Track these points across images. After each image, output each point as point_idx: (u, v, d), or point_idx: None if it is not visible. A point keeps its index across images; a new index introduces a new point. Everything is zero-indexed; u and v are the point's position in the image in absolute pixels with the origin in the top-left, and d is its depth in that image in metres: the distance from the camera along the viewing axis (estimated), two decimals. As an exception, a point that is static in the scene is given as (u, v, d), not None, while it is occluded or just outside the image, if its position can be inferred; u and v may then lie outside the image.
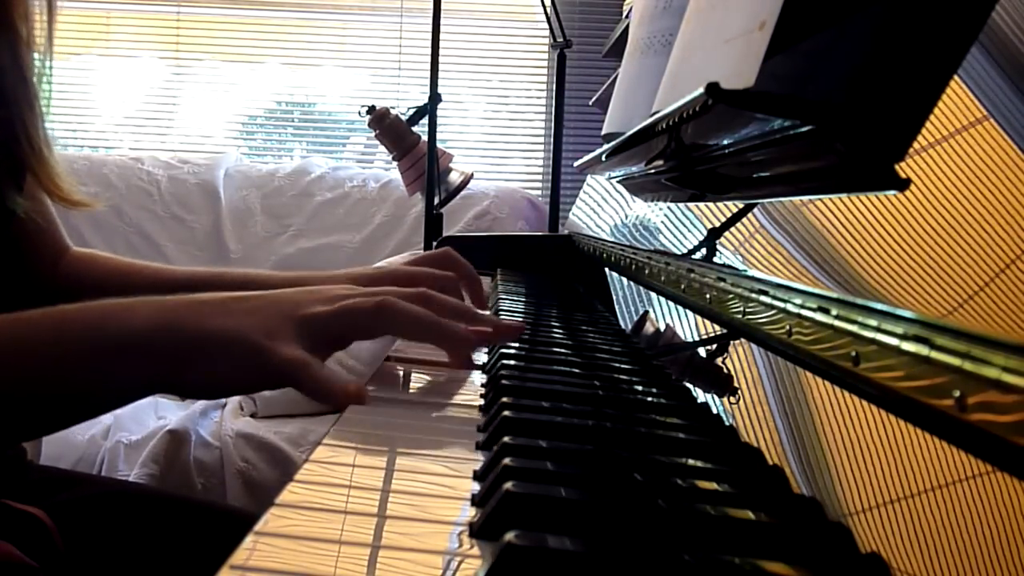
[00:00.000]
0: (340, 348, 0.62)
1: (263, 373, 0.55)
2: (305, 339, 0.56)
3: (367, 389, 0.58)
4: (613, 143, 0.94)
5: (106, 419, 1.90)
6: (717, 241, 0.69)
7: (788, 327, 0.47)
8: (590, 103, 2.16)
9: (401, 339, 0.68)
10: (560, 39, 2.03)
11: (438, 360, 0.76)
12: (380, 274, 0.84)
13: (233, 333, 0.55)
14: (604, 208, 1.38)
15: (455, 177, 2.08)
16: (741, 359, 0.60)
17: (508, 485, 0.36)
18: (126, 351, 0.54)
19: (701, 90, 0.53)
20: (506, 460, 0.40)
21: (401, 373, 0.73)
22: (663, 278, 0.76)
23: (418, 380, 0.70)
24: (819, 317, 0.43)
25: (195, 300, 0.58)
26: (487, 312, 0.76)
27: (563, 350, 0.75)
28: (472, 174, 2.13)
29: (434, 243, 1.82)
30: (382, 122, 2.08)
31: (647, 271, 0.82)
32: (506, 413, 0.49)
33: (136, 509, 0.87)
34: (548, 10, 2.01)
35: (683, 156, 0.79)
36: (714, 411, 0.59)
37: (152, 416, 1.96)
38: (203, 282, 0.87)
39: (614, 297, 1.10)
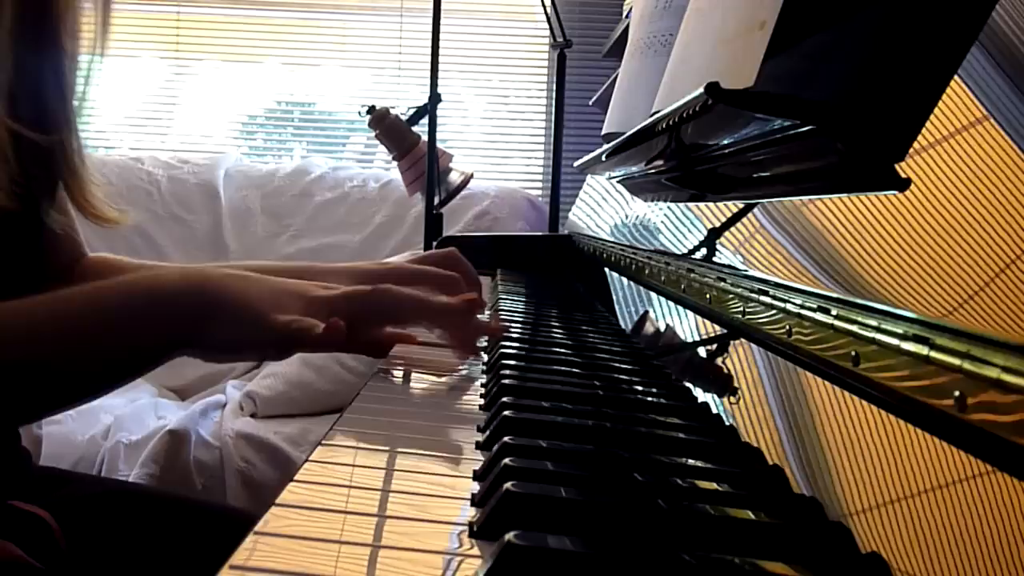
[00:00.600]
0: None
1: (266, 337, 0.61)
2: (310, 317, 0.61)
3: (342, 324, 0.61)
4: (613, 143, 0.94)
5: (106, 419, 1.90)
6: (717, 241, 0.69)
7: (788, 327, 0.47)
8: (590, 103, 2.16)
9: (402, 324, 0.71)
10: (560, 39, 2.03)
11: (438, 360, 0.76)
12: (384, 270, 0.84)
13: (245, 301, 0.61)
14: (604, 208, 1.38)
15: (455, 177, 2.08)
16: (741, 359, 0.60)
17: (508, 485, 0.36)
18: (155, 309, 0.61)
19: (701, 90, 0.53)
20: (506, 460, 0.40)
21: (401, 373, 0.73)
22: (663, 278, 0.76)
23: (418, 380, 0.70)
24: (819, 317, 0.43)
25: (217, 271, 0.65)
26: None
27: (563, 350, 0.75)
28: (472, 174, 2.13)
29: (434, 243, 1.82)
30: (382, 122, 2.08)
31: (647, 271, 0.82)
32: (506, 413, 0.49)
33: (136, 509, 0.87)
34: (548, 10, 2.01)
35: (683, 156, 0.79)
36: (714, 411, 0.58)
37: (152, 416, 1.96)
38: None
39: (614, 297, 1.10)
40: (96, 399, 0.65)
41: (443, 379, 0.69)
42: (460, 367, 0.74)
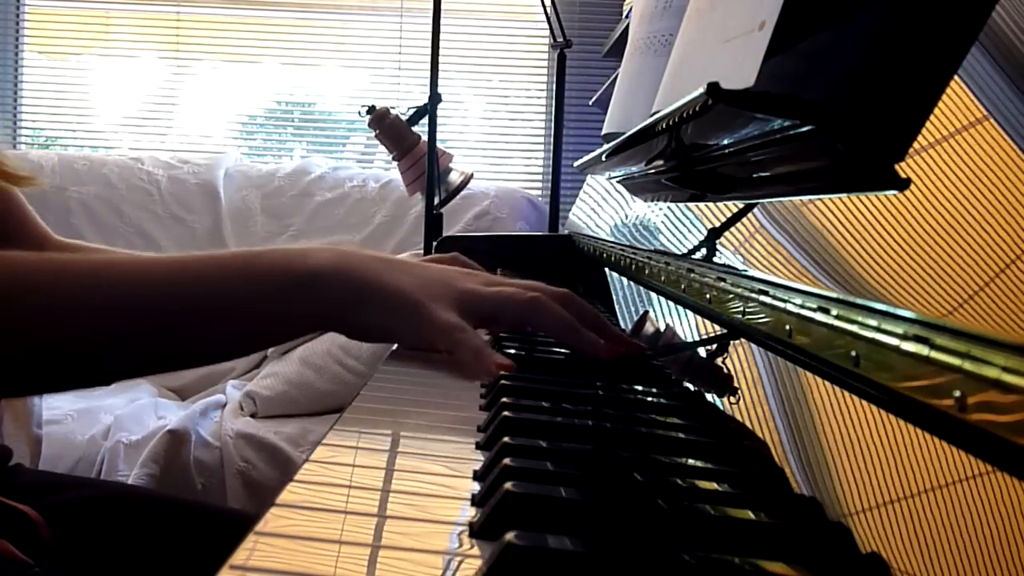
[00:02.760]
0: (487, 328, 0.66)
1: (419, 329, 0.60)
2: (460, 310, 0.61)
3: (513, 365, 0.61)
4: (613, 143, 0.94)
5: (106, 419, 1.90)
6: (717, 241, 0.69)
7: (788, 327, 0.47)
8: (590, 103, 2.16)
9: (543, 333, 0.71)
10: (560, 39, 2.03)
11: (439, 361, 0.76)
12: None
13: (398, 287, 0.60)
14: (604, 208, 1.38)
15: (455, 177, 2.08)
16: (741, 359, 0.60)
17: (508, 485, 0.36)
18: (307, 287, 0.59)
19: (701, 90, 0.53)
20: (506, 460, 0.40)
21: (401, 373, 0.73)
22: (663, 278, 0.76)
23: (418, 380, 0.70)
24: (819, 317, 0.43)
25: (367, 255, 0.63)
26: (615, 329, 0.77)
27: (563, 350, 0.75)
28: (472, 174, 2.13)
29: (434, 243, 1.82)
30: (382, 122, 2.08)
31: (647, 271, 0.82)
32: (506, 413, 0.49)
33: (130, 511, 0.86)
34: (548, 10, 2.01)
35: (683, 156, 0.79)
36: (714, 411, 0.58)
37: (152, 416, 1.96)
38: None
39: (614, 297, 1.10)
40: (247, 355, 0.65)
41: (443, 379, 0.69)
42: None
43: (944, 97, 0.42)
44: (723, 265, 0.62)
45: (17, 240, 0.88)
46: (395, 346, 0.78)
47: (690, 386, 0.67)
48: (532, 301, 0.64)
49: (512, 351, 0.71)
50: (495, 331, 0.62)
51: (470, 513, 0.39)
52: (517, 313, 0.64)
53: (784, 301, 0.48)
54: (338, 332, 0.63)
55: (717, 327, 0.66)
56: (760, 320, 0.52)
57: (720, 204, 0.74)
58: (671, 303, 0.80)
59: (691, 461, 0.46)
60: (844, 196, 0.49)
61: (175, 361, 0.61)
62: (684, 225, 0.83)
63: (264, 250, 0.62)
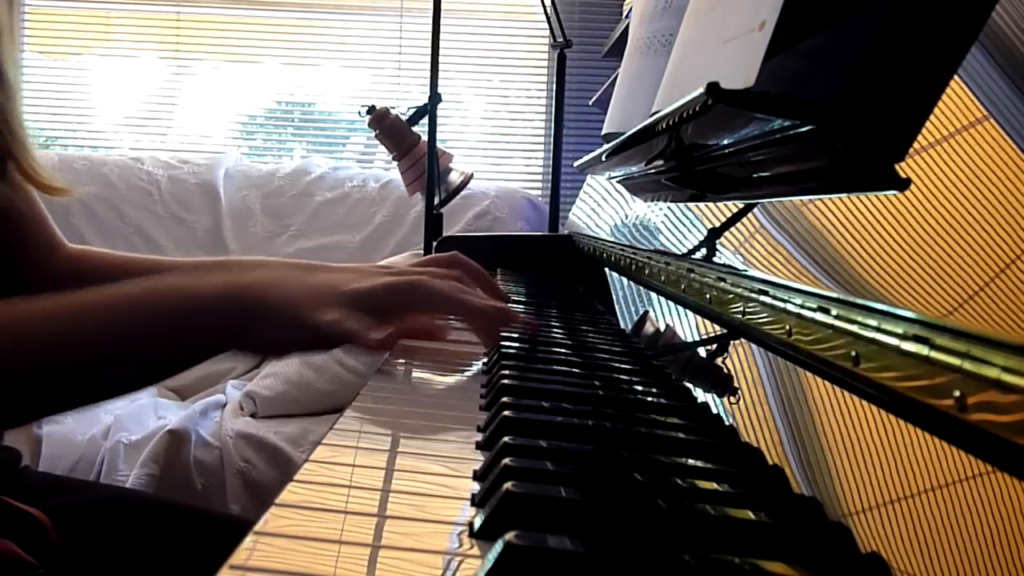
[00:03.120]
0: (381, 321, 0.67)
1: (310, 336, 0.63)
2: (347, 310, 0.64)
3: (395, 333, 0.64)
4: (613, 143, 0.94)
5: (106, 419, 1.90)
6: (717, 241, 0.69)
7: (788, 327, 0.47)
8: (590, 103, 2.16)
9: (435, 314, 0.73)
10: (560, 39, 2.03)
11: (438, 360, 0.76)
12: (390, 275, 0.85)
13: (284, 303, 0.63)
14: (604, 208, 1.38)
15: (455, 177, 2.08)
16: (741, 359, 0.60)
17: (508, 485, 0.36)
18: (203, 313, 0.63)
19: (701, 90, 0.53)
20: (506, 460, 0.40)
21: (401, 373, 0.73)
22: (663, 278, 0.76)
23: (418, 380, 0.70)
24: (819, 317, 0.43)
25: (253, 273, 0.68)
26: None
27: (563, 350, 0.75)
28: (472, 174, 2.13)
29: (434, 243, 1.82)
30: (382, 122, 2.08)
31: (647, 271, 0.82)
32: (506, 413, 0.49)
33: (132, 515, 0.86)
34: (548, 10, 2.01)
35: (683, 156, 0.79)
36: (714, 411, 0.58)
37: (152, 416, 1.96)
38: (207, 272, 0.87)
39: (614, 297, 1.10)
40: (120, 398, 0.69)
41: (443, 379, 0.69)
42: (460, 367, 0.74)
43: (944, 97, 0.42)
44: (723, 265, 0.62)
45: (30, 245, 0.88)
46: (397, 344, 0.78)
47: (689, 386, 0.67)
48: (411, 284, 0.67)
49: (512, 351, 0.71)
50: (392, 322, 0.65)
51: (470, 513, 0.39)
52: (401, 299, 0.67)
53: (784, 301, 0.48)
54: (242, 350, 0.66)
55: (717, 327, 0.66)
56: (760, 320, 0.52)
57: (720, 204, 0.74)
58: (671, 303, 0.80)
59: (691, 461, 0.46)
60: (844, 196, 0.49)
61: (79, 397, 0.65)
62: (684, 225, 0.84)
63: (160, 284, 0.66)
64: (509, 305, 0.93)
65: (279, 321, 0.63)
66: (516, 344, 0.74)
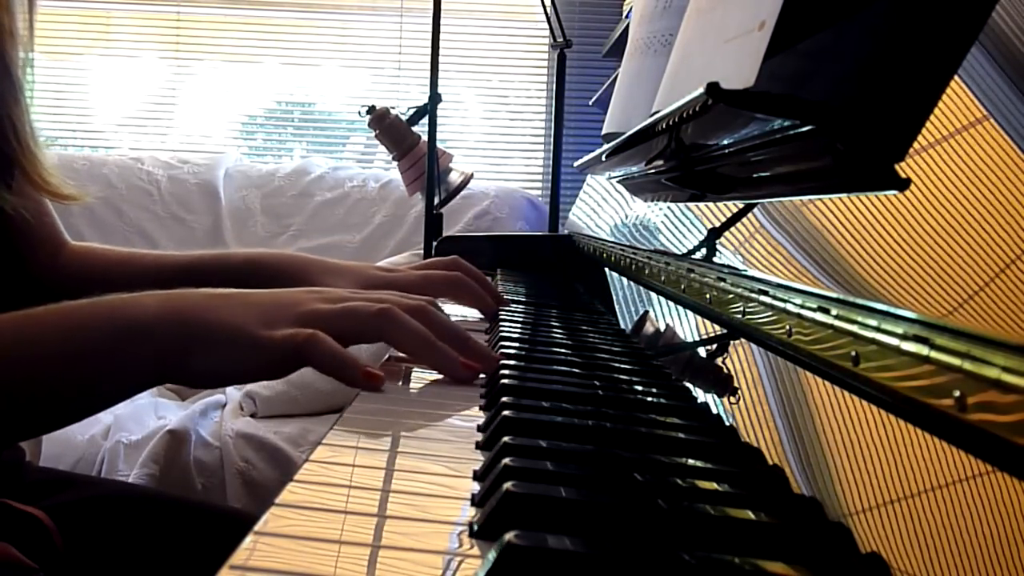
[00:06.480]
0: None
1: (264, 360, 0.57)
2: (303, 328, 0.57)
3: (382, 375, 0.58)
4: (613, 143, 0.94)
5: (106, 419, 1.90)
6: (717, 241, 0.69)
7: (788, 327, 0.47)
8: (590, 103, 2.16)
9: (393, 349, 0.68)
10: (560, 39, 2.03)
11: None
12: (391, 278, 0.84)
13: (231, 323, 0.56)
14: (604, 208, 1.38)
15: (455, 177, 2.08)
16: (741, 359, 0.60)
17: (508, 485, 0.36)
18: (135, 340, 0.56)
19: (701, 90, 0.53)
20: (506, 460, 0.40)
21: (402, 373, 0.73)
22: (663, 278, 0.76)
23: (418, 380, 0.70)
24: (819, 317, 0.43)
25: (197, 293, 0.60)
26: (482, 340, 0.73)
27: (563, 350, 0.75)
28: (472, 174, 2.13)
29: (434, 243, 1.82)
30: (382, 122, 2.08)
31: (647, 271, 0.82)
32: (506, 413, 0.49)
33: (135, 511, 0.86)
34: (548, 10, 2.01)
35: (683, 156, 0.79)
36: (714, 411, 0.58)
37: (152, 416, 1.96)
38: (207, 265, 0.87)
39: (614, 297, 1.10)
40: (61, 428, 0.59)
41: (443, 379, 0.69)
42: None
43: (944, 97, 0.42)
44: (723, 265, 0.62)
45: (38, 249, 0.88)
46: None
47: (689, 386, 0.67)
48: (381, 314, 0.60)
49: (512, 351, 0.71)
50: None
51: (470, 513, 0.39)
52: (365, 328, 0.60)
53: (784, 301, 0.48)
54: (185, 383, 0.59)
55: (717, 327, 0.66)
56: (760, 320, 0.52)
57: (720, 204, 0.74)
58: (671, 303, 0.80)
59: (691, 461, 0.46)
60: (844, 196, 0.49)
61: (18, 428, 0.58)
62: (684, 225, 0.83)
63: (91, 302, 0.58)
64: (508, 307, 0.93)
65: (225, 345, 0.56)
66: (516, 344, 0.74)
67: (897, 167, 0.43)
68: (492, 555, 0.31)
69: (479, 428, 0.53)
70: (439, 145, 1.99)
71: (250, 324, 0.57)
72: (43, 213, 0.89)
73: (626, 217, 1.18)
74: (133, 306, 0.57)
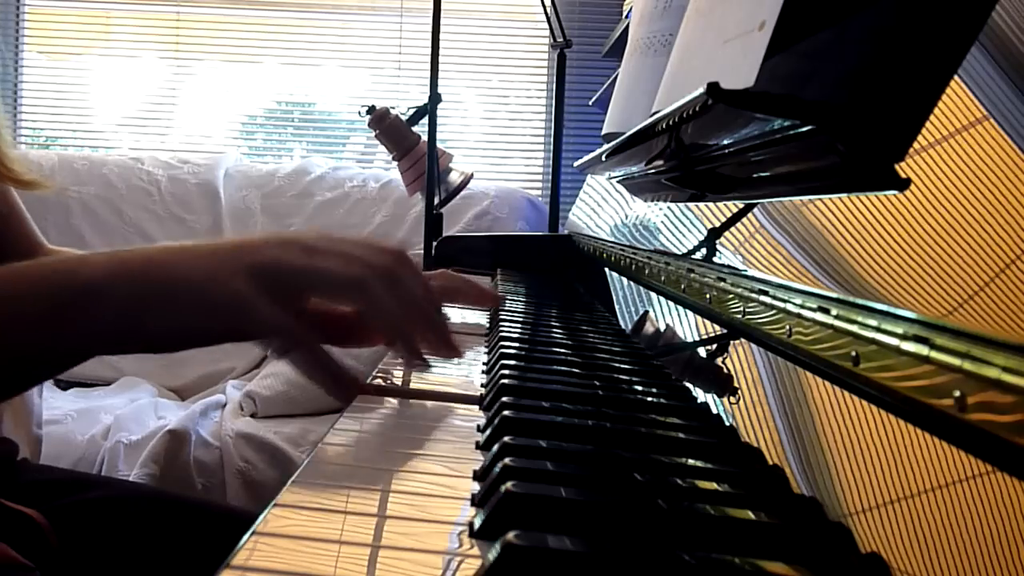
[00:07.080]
0: (294, 304, 0.55)
1: (216, 314, 0.52)
2: (258, 284, 0.51)
3: (363, 384, 0.56)
4: (613, 143, 0.94)
5: (106, 419, 1.90)
6: (717, 241, 0.69)
7: (788, 327, 0.47)
8: (590, 103, 2.16)
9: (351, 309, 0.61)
10: (560, 39, 2.03)
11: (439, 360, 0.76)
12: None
13: (180, 272, 0.52)
14: (604, 208, 1.38)
15: (455, 177, 2.08)
16: (741, 359, 0.60)
17: (508, 485, 0.36)
18: (83, 301, 0.51)
19: (701, 90, 0.53)
20: (506, 460, 0.40)
21: (401, 373, 0.73)
22: (663, 278, 0.76)
23: (419, 379, 0.70)
24: (819, 317, 0.43)
25: (148, 248, 0.54)
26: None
27: (563, 350, 0.75)
28: (472, 174, 2.13)
29: (434, 243, 1.82)
30: (382, 122, 2.08)
31: (647, 271, 0.82)
32: (506, 413, 0.49)
33: (136, 510, 0.86)
34: (548, 10, 2.01)
35: (683, 156, 0.79)
36: (714, 411, 0.58)
37: (152, 416, 1.96)
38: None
39: (614, 297, 1.10)
40: (14, 396, 0.55)
41: (443, 379, 0.69)
42: (460, 367, 0.74)
43: (944, 97, 0.42)
44: (723, 265, 0.62)
45: (8, 243, 0.87)
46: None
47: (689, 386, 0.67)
48: (360, 284, 0.53)
49: (512, 351, 0.71)
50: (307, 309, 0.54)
51: (470, 513, 0.39)
52: (336, 293, 0.54)
53: (784, 301, 0.48)
54: (145, 349, 0.53)
55: (717, 327, 0.66)
56: (760, 320, 0.52)
57: (720, 204, 0.74)
58: (671, 303, 0.80)
59: (691, 461, 0.46)
60: (844, 196, 0.49)
61: None
62: (684, 225, 0.83)
63: (36, 263, 0.54)
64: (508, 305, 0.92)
65: (183, 300, 0.51)
66: (516, 344, 0.74)
67: (897, 167, 0.43)
68: (492, 555, 0.31)
69: (479, 428, 0.53)
70: (439, 145, 1.99)
71: (199, 272, 0.51)
72: (13, 209, 0.87)
73: (626, 217, 1.18)
74: (79, 265, 0.52)
